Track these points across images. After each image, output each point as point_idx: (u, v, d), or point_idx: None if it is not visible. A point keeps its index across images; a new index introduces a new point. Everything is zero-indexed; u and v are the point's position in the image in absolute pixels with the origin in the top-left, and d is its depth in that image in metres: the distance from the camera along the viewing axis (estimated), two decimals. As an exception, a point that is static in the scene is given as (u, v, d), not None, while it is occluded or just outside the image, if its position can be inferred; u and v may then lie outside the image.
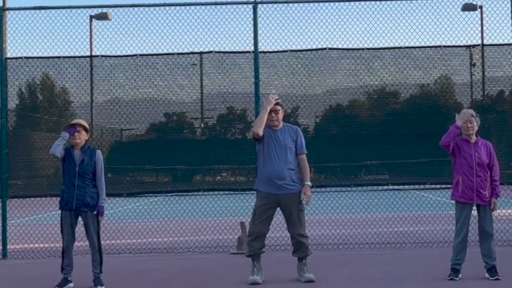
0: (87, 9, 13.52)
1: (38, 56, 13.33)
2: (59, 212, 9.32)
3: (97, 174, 9.24)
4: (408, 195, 19.81)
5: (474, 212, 9.27)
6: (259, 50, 12.60)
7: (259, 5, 12.67)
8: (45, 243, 13.03)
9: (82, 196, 9.11)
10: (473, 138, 9.24)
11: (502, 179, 13.06)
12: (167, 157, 13.92)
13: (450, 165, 9.54)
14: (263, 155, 9.27)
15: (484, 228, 9.16)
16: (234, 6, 12.92)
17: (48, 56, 13.32)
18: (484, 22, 16.43)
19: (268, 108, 9.23)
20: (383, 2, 13.04)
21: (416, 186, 16.16)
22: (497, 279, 8.98)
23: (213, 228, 14.39)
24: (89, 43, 22.76)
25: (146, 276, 10.21)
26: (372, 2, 13.06)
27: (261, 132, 9.17)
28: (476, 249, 9.54)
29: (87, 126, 9.41)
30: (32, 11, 13.11)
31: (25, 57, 13.24)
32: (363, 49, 13.30)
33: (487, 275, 9.11)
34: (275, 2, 13.06)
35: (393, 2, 13.05)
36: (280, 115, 9.36)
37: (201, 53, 13.43)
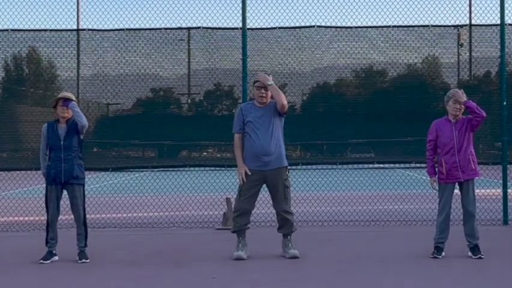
0: (74, -18, 13.40)
1: (24, 28, 13.24)
2: (44, 185, 9.31)
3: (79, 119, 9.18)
4: (394, 174, 19.91)
5: (457, 191, 9.34)
6: (248, 26, 12.56)
7: (248, -19, 12.59)
8: (30, 217, 13.03)
9: (70, 169, 9.10)
10: (457, 118, 9.28)
11: (486, 158, 13.19)
12: (153, 132, 13.86)
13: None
14: (249, 133, 9.27)
15: (467, 208, 9.23)
16: (223, -19, 12.87)
17: (34, 28, 13.22)
18: (472, 2, 16.43)
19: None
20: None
21: (402, 165, 16.24)
22: (480, 257, 9.07)
23: (199, 203, 14.41)
24: (76, 16, 22.56)
25: (131, 250, 10.23)
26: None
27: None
28: (459, 228, 9.62)
29: (75, 99, 9.40)
30: (18, -17, 13.00)
31: (11, 30, 13.13)
32: (351, 27, 13.27)
33: (470, 253, 9.19)
34: (264, -22, 13.00)
35: (382, -19, 13.03)
36: (270, 92, 9.31)
37: (188, 28, 13.35)
